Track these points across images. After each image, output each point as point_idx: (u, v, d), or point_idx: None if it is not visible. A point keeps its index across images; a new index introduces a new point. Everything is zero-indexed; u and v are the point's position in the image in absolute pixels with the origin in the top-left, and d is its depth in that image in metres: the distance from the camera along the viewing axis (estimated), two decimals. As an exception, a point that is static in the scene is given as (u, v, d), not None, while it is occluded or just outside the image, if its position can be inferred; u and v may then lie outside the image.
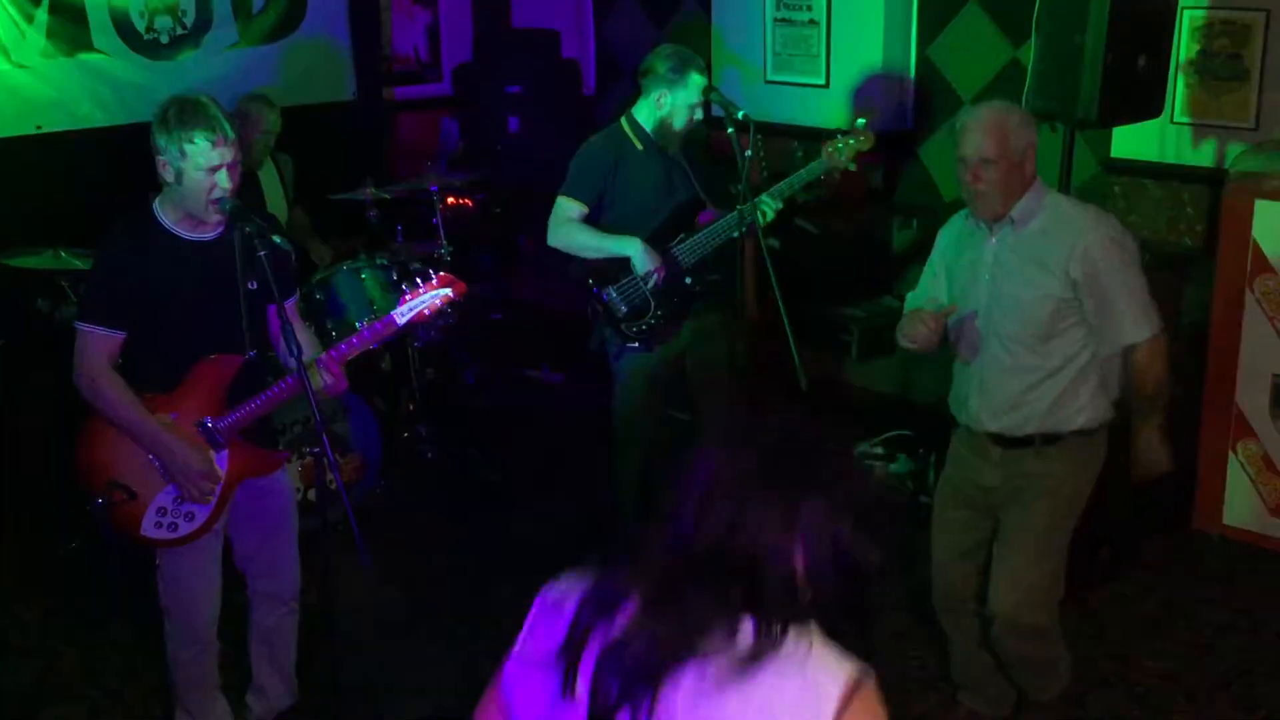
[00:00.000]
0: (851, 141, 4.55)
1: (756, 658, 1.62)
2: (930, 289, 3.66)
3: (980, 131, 3.30)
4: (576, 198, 4.47)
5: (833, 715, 1.62)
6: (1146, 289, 3.37)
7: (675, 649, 1.64)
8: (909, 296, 3.76)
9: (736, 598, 1.64)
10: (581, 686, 1.70)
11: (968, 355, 3.53)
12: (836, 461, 1.68)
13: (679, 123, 4.47)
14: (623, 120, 4.56)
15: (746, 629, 1.64)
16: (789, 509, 1.62)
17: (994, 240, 3.41)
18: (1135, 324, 3.33)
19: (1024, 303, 3.35)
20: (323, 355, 3.38)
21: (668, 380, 4.65)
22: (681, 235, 4.50)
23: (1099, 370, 3.41)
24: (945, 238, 3.66)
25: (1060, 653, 3.76)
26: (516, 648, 1.86)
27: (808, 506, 1.62)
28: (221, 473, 3.38)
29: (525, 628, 1.85)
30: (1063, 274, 3.30)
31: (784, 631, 1.63)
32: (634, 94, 4.59)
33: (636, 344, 4.49)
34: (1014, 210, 3.35)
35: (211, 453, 3.37)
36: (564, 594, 1.83)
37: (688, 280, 4.52)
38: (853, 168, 4.65)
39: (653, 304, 4.47)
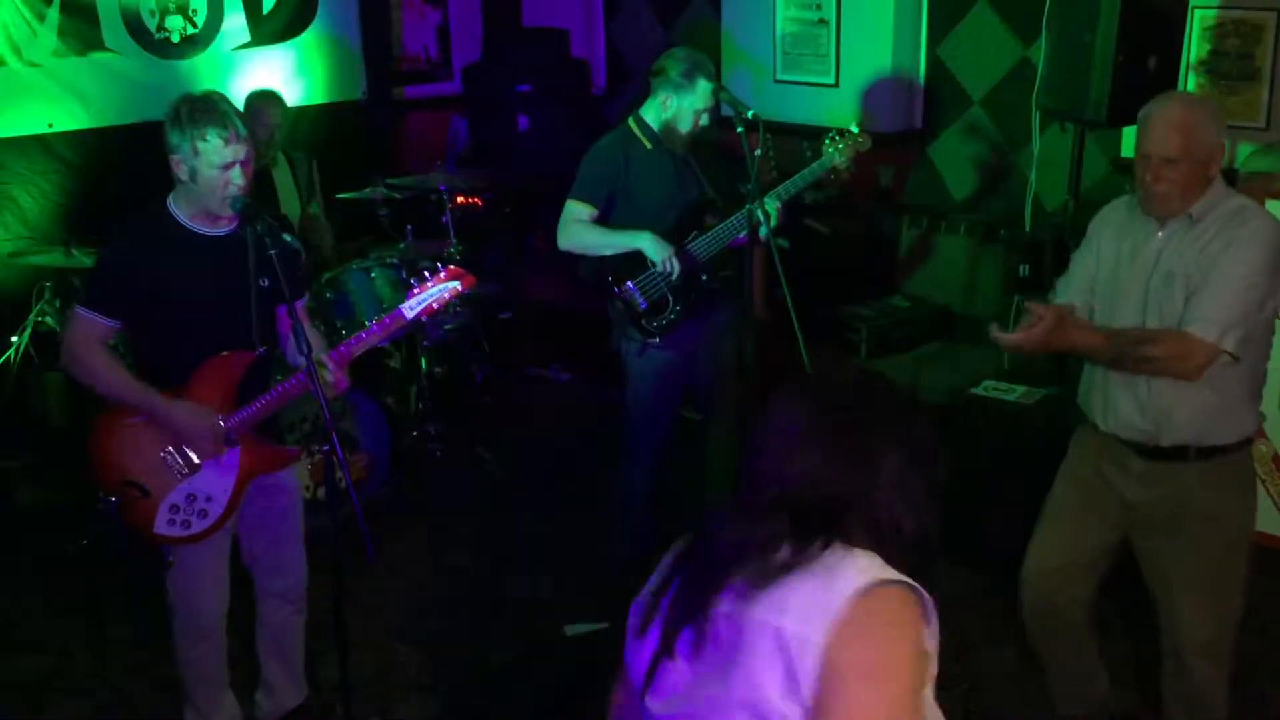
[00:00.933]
0: (841, 146, 4.57)
1: (788, 567, 1.72)
2: (1081, 275, 3.40)
3: (1165, 127, 3.04)
4: (585, 200, 4.47)
5: (838, 610, 1.66)
6: (1253, 307, 3.05)
7: (724, 567, 1.76)
8: (1060, 283, 3.50)
9: (806, 527, 1.74)
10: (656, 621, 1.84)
11: None
12: (902, 409, 1.80)
13: (684, 126, 4.47)
14: (630, 120, 4.56)
15: (784, 547, 1.74)
16: (865, 452, 1.72)
17: (1162, 234, 3.16)
18: (1209, 320, 3.04)
19: (1177, 297, 3.12)
20: (326, 353, 3.39)
21: (681, 379, 4.66)
22: (694, 233, 4.52)
23: (1251, 379, 3.20)
24: (1104, 221, 3.38)
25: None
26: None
27: (880, 450, 1.73)
28: (228, 469, 3.38)
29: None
30: None
31: (823, 545, 1.73)
32: (644, 93, 4.59)
33: (657, 339, 4.50)
34: (1193, 208, 3.10)
35: (214, 415, 3.35)
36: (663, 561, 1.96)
37: (703, 278, 4.53)
38: (850, 168, 4.65)
39: (671, 299, 4.48)
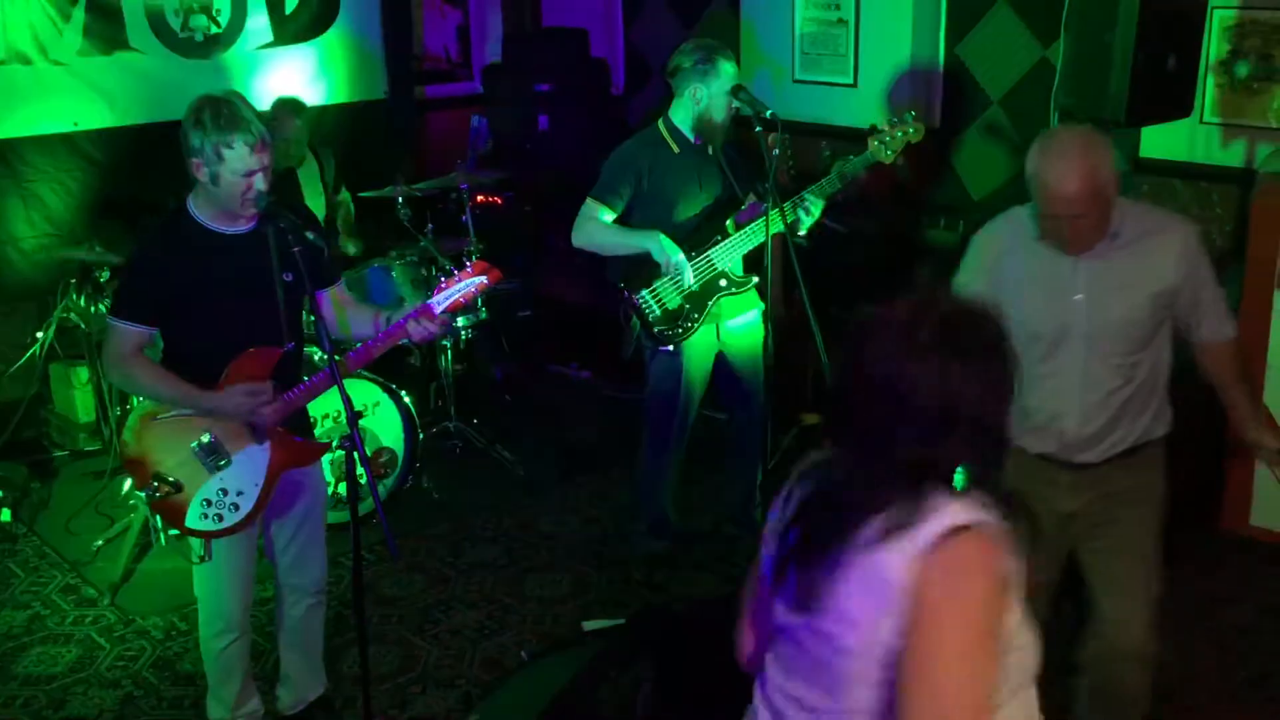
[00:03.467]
0: (899, 134, 4.53)
1: (899, 515, 1.86)
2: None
3: (1071, 187, 2.95)
4: (605, 202, 4.46)
5: (923, 551, 1.83)
6: None
7: (849, 519, 1.89)
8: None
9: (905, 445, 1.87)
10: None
11: (1046, 380, 3.18)
12: (987, 333, 1.91)
13: (719, 114, 4.42)
14: (659, 123, 4.55)
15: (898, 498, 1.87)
16: (980, 361, 1.86)
17: (1085, 258, 3.11)
18: (1228, 315, 3.25)
19: (1127, 312, 3.12)
20: (416, 308, 3.41)
21: (701, 381, 4.67)
22: (717, 237, 4.51)
23: (1166, 375, 3.26)
24: (992, 249, 3.31)
25: None
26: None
27: (969, 366, 1.85)
28: (259, 467, 3.43)
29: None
30: (1166, 274, 3.10)
31: (925, 493, 1.86)
32: (665, 95, 4.59)
33: (670, 346, 4.50)
34: (1112, 228, 3.09)
35: (255, 385, 3.36)
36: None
37: (722, 283, 4.53)
38: (900, 161, 4.62)
39: (687, 306, 4.48)
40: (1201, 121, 5.12)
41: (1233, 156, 5.16)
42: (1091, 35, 4.40)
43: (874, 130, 4.58)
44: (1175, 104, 4.58)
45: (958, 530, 1.84)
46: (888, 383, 1.87)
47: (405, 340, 3.47)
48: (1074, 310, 3.14)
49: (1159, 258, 3.12)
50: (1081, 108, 4.55)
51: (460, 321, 5.62)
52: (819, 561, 1.91)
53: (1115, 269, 3.11)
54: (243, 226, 3.38)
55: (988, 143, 6.06)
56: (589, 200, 4.49)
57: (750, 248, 4.50)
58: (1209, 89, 5.11)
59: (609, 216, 4.47)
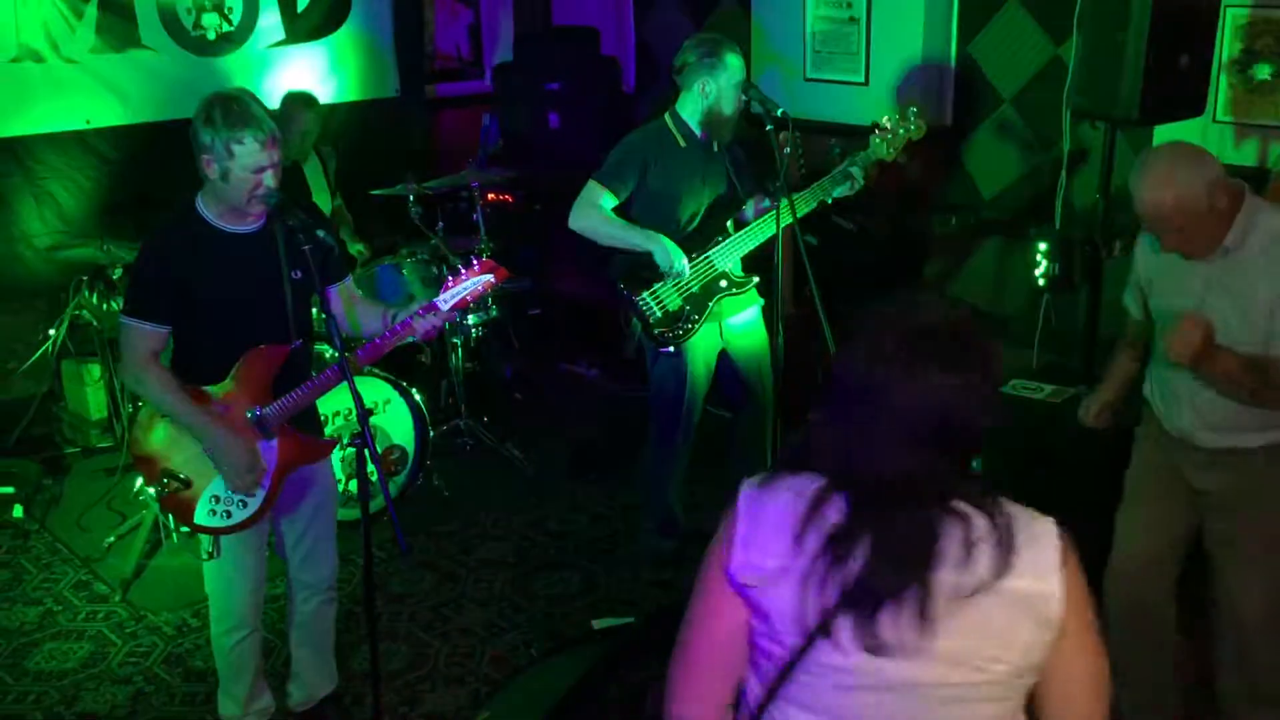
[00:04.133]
0: (900, 131, 4.54)
1: (991, 531, 1.82)
2: (1133, 303, 3.54)
3: (1154, 205, 3.11)
4: (608, 186, 4.43)
5: (1059, 560, 1.84)
6: None
7: (925, 542, 1.82)
8: (1127, 297, 3.60)
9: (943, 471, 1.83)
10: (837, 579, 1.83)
11: (1172, 369, 3.31)
12: (985, 342, 1.87)
13: (728, 107, 4.41)
14: (666, 116, 4.54)
15: (978, 518, 1.83)
16: (946, 378, 1.80)
17: (1201, 262, 3.22)
18: None
19: (1229, 319, 3.17)
20: (423, 305, 3.43)
21: (705, 380, 4.66)
22: (719, 237, 4.50)
23: None
24: (1143, 249, 3.45)
25: None
26: (737, 556, 1.90)
27: (964, 376, 1.81)
28: (267, 464, 3.42)
29: (739, 534, 1.91)
30: (1259, 287, 3.15)
31: (998, 508, 1.84)
32: (675, 93, 4.58)
33: (670, 348, 4.50)
34: (1227, 240, 3.17)
35: (257, 445, 3.40)
36: (778, 497, 1.94)
37: (723, 283, 4.52)
38: (903, 159, 4.61)
39: (687, 308, 4.47)
40: (1214, 120, 5.10)
41: (1245, 156, 5.14)
42: (1104, 34, 4.39)
43: (876, 128, 4.58)
44: (1188, 103, 4.56)
45: (1064, 538, 1.86)
46: (863, 390, 1.84)
47: (412, 337, 3.48)
48: (1186, 309, 3.21)
49: (1256, 270, 3.16)
50: (1094, 107, 4.55)
51: (471, 320, 5.63)
52: (902, 603, 1.80)
53: (1224, 276, 3.20)
54: (251, 225, 3.38)
55: (999, 141, 6.05)
56: (591, 182, 4.46)
57: (751, 247, 4.49)
58: (1221, 88, 5.09)
59: (611, 202, 4.45)
